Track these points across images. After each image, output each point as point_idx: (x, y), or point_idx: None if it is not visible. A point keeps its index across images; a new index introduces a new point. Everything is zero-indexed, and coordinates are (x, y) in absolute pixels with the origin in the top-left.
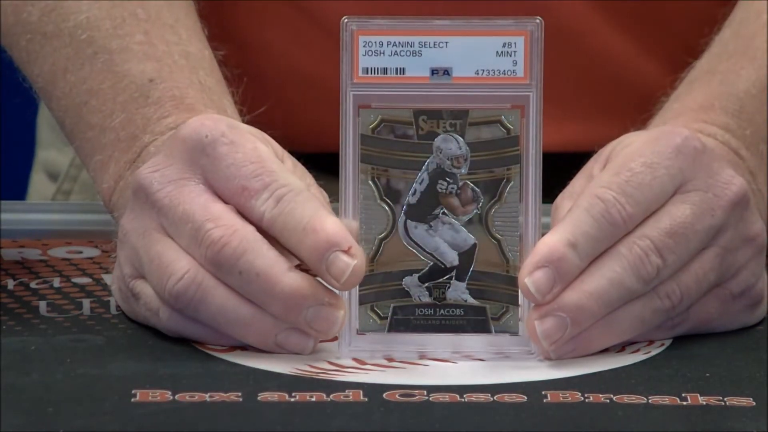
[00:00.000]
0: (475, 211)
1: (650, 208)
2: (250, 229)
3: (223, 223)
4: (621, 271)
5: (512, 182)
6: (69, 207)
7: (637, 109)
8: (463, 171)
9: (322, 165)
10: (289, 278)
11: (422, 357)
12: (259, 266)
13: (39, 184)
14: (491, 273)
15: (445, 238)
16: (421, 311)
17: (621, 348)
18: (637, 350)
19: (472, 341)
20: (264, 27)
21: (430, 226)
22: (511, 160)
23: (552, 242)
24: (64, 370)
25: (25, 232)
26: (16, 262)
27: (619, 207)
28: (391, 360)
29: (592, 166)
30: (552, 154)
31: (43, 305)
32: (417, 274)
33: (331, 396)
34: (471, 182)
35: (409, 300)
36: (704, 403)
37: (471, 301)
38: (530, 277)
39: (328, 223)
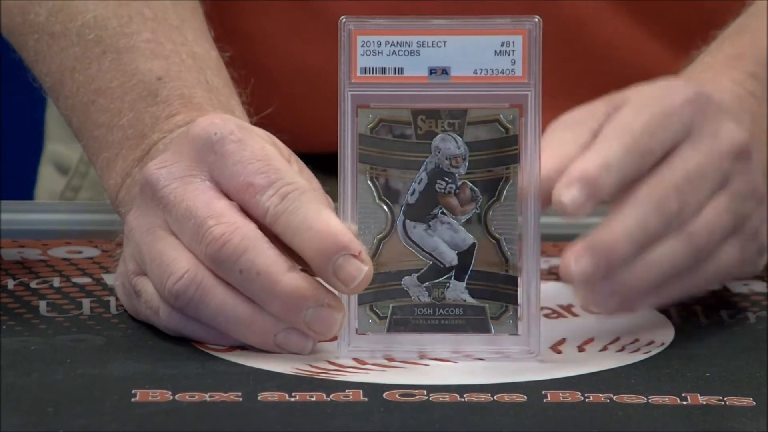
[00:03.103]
0: (474, 211)
1: (665, 150)
2: (252, 227)
3: (225, 220)
4: (646, 211)
5: (511, 181)
6: (69, 207)
7: None
8: (461, 170)
9: (325, 166)
10: (289, 278)
11: (422, 357)
12: (260, 265)
13: (48, 177)
14: (490, 272)
15: (444, 238)
16: (421, 311)
17: (621, 348)
18: (637, 350)
19: (472, 341)
20: (268, 23)
21: (429, 226)
22: (510, 159)
23: (587, 164)
24: (64, 370)
25: (25, 232)
26: (16, 262)
27: (645, 139)
28: (391, 360)
29: (597, 106)
30: None
31: (43, 305)
32: (416, 274)
33: (331, 396)
34: (470, 182)
35: (409, 300)
36: (704, 403)
37: (470, 300)
38: (567, 191)
39: (335, 224)
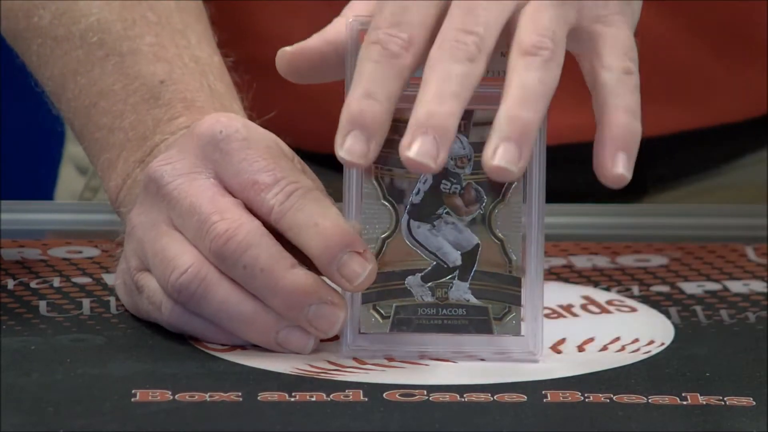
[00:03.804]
0: (478, 212)
1: (427, 22)
2: (257, 224)
3: (229, 216)
4: (441, 66)
5: (515, 183)
6: (70, 207)
7: (663, 89)
8: (466, 171)
9: (332, 165)
10: (293, 275)
11: (422, 357)
12: (264, 261)
13: (68, 178)
14: (494, 273)
15: (448, 238)
16: (424, 311)
17: (621, 348)
18: (637, 350)
19: (474, 342)
20: (290, 23)
21: (433, 226)
22: None
23: (350, 101)
24: (64, 370)
25: (25, 232)
26: (16, 262)
27: (394, 39)
28: (391, 360)
29: None
30: (568, 145)
31: (43, 305)
32: (420, 274)
33: (331, 396)
34: (474, 182)
35: (412, 300)
36: (704, 403)
37: (473, 301)
38: (344, 148)
39: (340, 222)
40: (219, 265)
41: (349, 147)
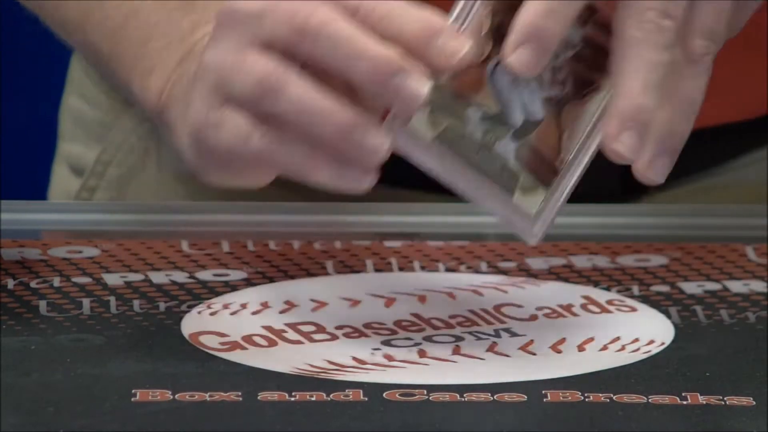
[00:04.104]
0: (557, 94)
1: None
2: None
3: (312, 3)
4: (647, 46)
5: (601, 92)
6: (69, 207)
7: None
8: (567, 54)
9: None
10: (379, 44)
11: (422, 356)
12: (350, 31)
13: (62, 178)
14: (543, 153)
15: (522, 98)
16: (467, 144)
17: (621, 348)
18: (637, 350)
19: (491, 194)
20: None
21: (515, 80)
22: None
23: (529, 13)
24: (64, 370)
25: (25, 232)
26: (16, 262)
27: None
28: (391, 359)
29: None
30: None
31: (43, 305)
32: (481, 112)
33: (331, 396)
34: (574, 73)
35: (463, 129)
36: (704, 403)
37: (512, 163)
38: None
39: (432, 12)
40: (302, 42)
41: (519, 56)
